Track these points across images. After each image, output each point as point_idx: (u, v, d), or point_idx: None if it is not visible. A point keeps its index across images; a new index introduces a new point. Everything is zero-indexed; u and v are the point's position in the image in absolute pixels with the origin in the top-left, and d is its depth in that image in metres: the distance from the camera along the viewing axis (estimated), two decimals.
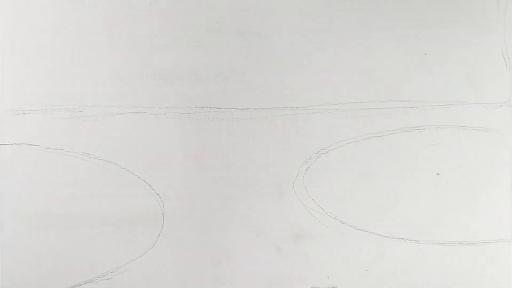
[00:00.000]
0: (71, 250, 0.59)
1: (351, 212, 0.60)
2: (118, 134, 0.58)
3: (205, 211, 0.60)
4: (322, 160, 0.60)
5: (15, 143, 0.58)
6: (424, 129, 0.60)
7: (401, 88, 0.59)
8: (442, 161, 0.60)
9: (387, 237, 0.60)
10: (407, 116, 0.60)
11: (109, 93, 0.58)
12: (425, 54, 0.59)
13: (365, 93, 0.59)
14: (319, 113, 0.59)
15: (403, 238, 0.60)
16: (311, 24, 0.58)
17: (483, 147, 0.60)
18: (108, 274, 0.59)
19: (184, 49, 0.58)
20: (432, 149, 0.60)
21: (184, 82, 0.58)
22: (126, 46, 0.58)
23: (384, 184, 0.60)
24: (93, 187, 0.59)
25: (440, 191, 0.60)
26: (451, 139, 0.60)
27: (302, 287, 0.60)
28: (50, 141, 0.58)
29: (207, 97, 0.59)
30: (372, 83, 0.59)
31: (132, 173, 0.59)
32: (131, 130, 0.58)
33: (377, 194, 0.60)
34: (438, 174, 0.60)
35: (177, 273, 0.60)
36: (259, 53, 0.58)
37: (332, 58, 0.59)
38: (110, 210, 0.59)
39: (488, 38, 0.59)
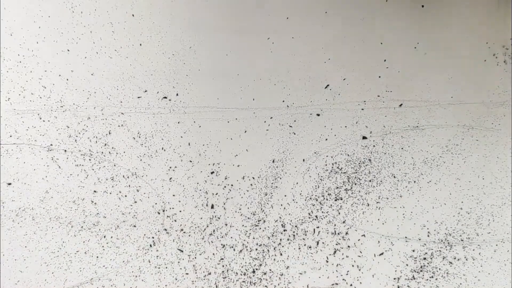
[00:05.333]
0: (71, 250, 0.59)
1: (351, 212, 0.60)
2: (119, 134, 0.58)
3: (206, 210, 0.60)
4: (322, 160, 0.60)
5: (15, 143, 0.58)
6: (424, 129, 0.60)
7: (402, 87, 0.59)
8: (442, 160, 0.60)
9: (388, 236, 0.60)
10: (407, 116, 0.60)
11: (109, 93, 0.58)
12: (425, 54, 0.59)
13: (365, 93, 0.59)
14: (319, 113, 0.59)
15: (404, 238, 0.60)
16: (311, 24, 0.58)
17: (483, 146, 0.60)
18: (108, 274, 0.59)
19: (184, 49, 0.58)
20: (433, 148, 0.60)
21: (184, 82, 0.58)
22: (126, 47, 0.58)
23: (385, 183, 0.60)
24: (93, 187, 0.59)
25: (440, 190, 0.60)
26: (452, 139, 0.60)
27: (302, 287, 0.60)
28: (50, 141, 0.58)
29: (207, 97, 0.59)
30: (372, 83, 0.59)
31: (133, 173, 0.59)
32: (132, 130, 0.58)
33: (378, 194, 0.60)
34: (438, 173, 0.60)
35: (178, 272, 0.60)
36: (260, 53, 0.58)
37: (332, 58, 0.59)
38: (110, 210, 0.59)
39: (488, 38, 0.59)
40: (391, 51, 0.59)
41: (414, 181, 0.60)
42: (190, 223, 0.60)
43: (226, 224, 0.60)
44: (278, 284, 0.60)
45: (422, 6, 0.58)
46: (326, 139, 0.60)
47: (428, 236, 0.61)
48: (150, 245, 0.60)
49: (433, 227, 0.61)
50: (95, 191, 0.59)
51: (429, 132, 0.60)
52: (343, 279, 0.60)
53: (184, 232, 0.60)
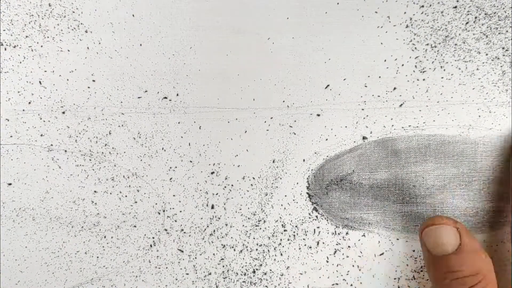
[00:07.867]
0: (71, 251, 0.59)
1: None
2: (119, 134, 0.58)
3: (206, 211, 0.60)
4: (322, 160, 0.60)
5: (15, 144, 0.58)
6: (424, 129, 0.60)
7: (401, 87, 0.59)
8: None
9: (388, 237, 0.60)
10: (407, 116, 0.60)
11: (109, 93, 0.58)
12: (425, 53, 0.59)
13: (365, 93, 0.59)
14: (320, 113, 0.59)
15: (405, 238, 0.60)
16: (311, 24, 0.58)
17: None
18: (108, 274, 0.59)
19: (184, 49, 0.58)
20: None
21: (185, 82, 0.58)
22: (126, 47, 0.58)
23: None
24: (94, 187, 0.59)
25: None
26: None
27: (302, 287, 0.60)
28: (50, 142, 0.58)
29: (207, 97, 0.59)
30: (372, 82, 0.59)
31: (133, 173, 0.59)
32: (132, 130, 0.58)
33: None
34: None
35: (178, 272, 0.60)
36: (259, 53, 0.58)
37: (332, 58, 0.59)
38: (111, 210, 0.59)
39: (489, 37, 0.59)
40: (391, 51, 0.59)
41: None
42: (191, 223, 0.60)
43: (226, 224, 0.60)
44: (279, 284, 0.60)
45: (421, 5, 0.58)
46: (327, 139, 0.60)
47: None
48: (151, 245, 0.60)
49: None
50: (95, 191, 0.59)
51: (429, 132, 0.60)
52: (344, 279, 0.60)
53: (184, 232, 0.60)
